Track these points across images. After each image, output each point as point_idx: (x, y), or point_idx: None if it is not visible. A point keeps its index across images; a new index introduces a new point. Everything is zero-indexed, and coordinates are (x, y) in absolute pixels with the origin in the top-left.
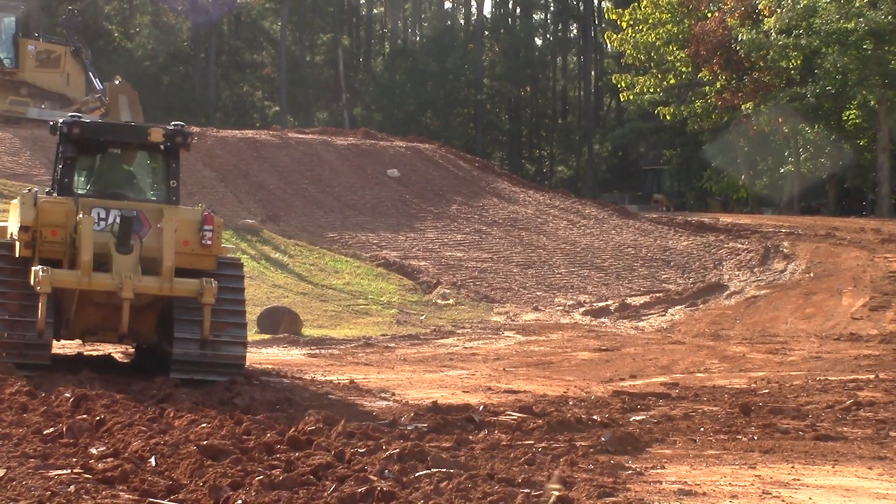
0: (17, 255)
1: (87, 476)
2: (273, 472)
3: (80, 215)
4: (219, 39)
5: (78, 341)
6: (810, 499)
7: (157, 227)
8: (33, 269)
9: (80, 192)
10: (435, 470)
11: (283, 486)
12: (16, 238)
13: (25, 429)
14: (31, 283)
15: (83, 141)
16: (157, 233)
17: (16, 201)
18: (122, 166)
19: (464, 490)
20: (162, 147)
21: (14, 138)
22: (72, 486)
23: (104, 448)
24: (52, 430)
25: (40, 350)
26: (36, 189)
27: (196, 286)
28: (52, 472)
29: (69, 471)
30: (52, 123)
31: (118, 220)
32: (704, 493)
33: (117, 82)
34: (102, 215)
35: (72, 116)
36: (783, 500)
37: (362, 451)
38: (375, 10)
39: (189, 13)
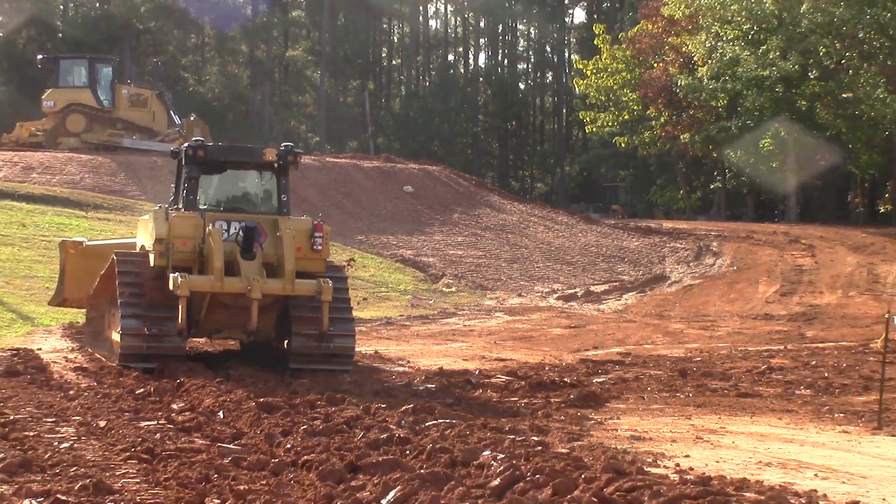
0: (152, 265)
1: (169, 426)
2: (314, 422)
3: (210, 227)
4: (271, 85)
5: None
6: (733, 442)
7: (276, 235)
8: (171, 275)
9: (203, 207)
10: (441, 420)
11: (322, 434)
12: (149, 250)
13: (121, 389)
14: (170, 288)
15: (206, 162)
16: (273, 240)
17: (146, 217)
18: (238, 183)
19: (463, 436)
20: (275, 165)
21: (112, 162)
22: (158, 434)
23: (183, 404)
24: (142, 390)
25: (177, 350)
26: (165, 206)
27: (314, 286)
28: (142, 423)
29: (156, 422)
30: (173, 149)
31: (241, 230)
32: (651, 438)
33: (192, 118)
34: (225, 227)
35: (196, 141)
36: (712, 444)
37: (384, 406)
38: (394, 62)
39: (248, 63)
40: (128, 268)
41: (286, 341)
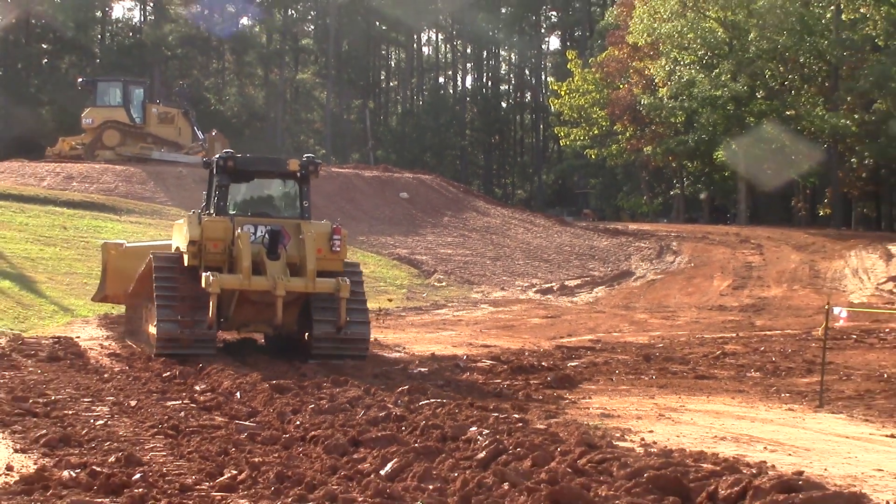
0: (185, 265)
1: (192, 405)
2: (321, 402)
3: (239, 230)
4: (283, 104)
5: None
6: (692, 419)
7: (300, 237)
8: (203, 274)
9: (232, 212)
10: (433, 400)
11: (327, 412)
12: (183, 251)
13: (150, 373)
14: (203, 286)
15: (235, 171)
16: (296, 242)
17: (180, 221)
18: (264, 191)
19: (452, 414)
20: (297, 174)
21: (143, 172)
22: (182, 412)
23: (204, 386)
24: (168, 373)
25: (208, 342)
26: (198, 211)
27: (333, 284)
28: (168, 403)
29: (180, 401)
30: (205, 160)
31: (267, 233)
32: (619, 416)
33: (213, 133)
34: (252, 230)
35: (226, 152)
36: (673, 421)
37: (383, 387)
38: (391, 84)
39: (263, 85)
40: (164, 267)
41: (307, 333)
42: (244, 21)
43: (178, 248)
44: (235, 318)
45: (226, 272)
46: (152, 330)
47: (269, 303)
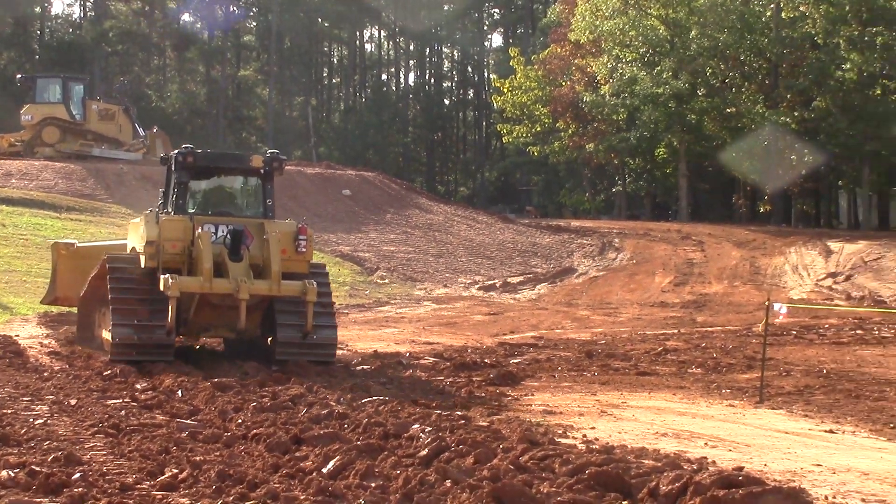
0: (142, 267)
1: (133, 404)
2: (263, 400)
3: (199, 230)
4: (225, 101)
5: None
6: (633, 416)
7: (264, 237)
8: (162, 276)
9: (191, 211)
10: (375, 398)
11: (269, 410)
12: (140, 252)
13: (90, 371)
14: (161, 289)
15: (195, 168)
16: (259, 243)
17: (136, 220)
18: (225, 188)
19: (395, 411)
20: (261, 171)
21: (83, 169)
22: (122, 411)
23: (145, 384)
24: (109, 371)
25: (166, 349)
26: (156, 209)
27: (300, 287)
28: (109, 401)
29: (121, 400)
30: (162, 155)
31: (229, 233)
32: (561, 412)
33: (155, 130)
34: (213, 230)
35: (186, 147)
36: (615, 417)
37: (325, 385)
38: (334, 80)
39: (205, 82)
40: (119, 268)
41: (270, 338)
42: (185, 17)
43: (133, 249)
44: (195, 322)
45: (185, 274)
46: (107, 335)
47: (232, 306)
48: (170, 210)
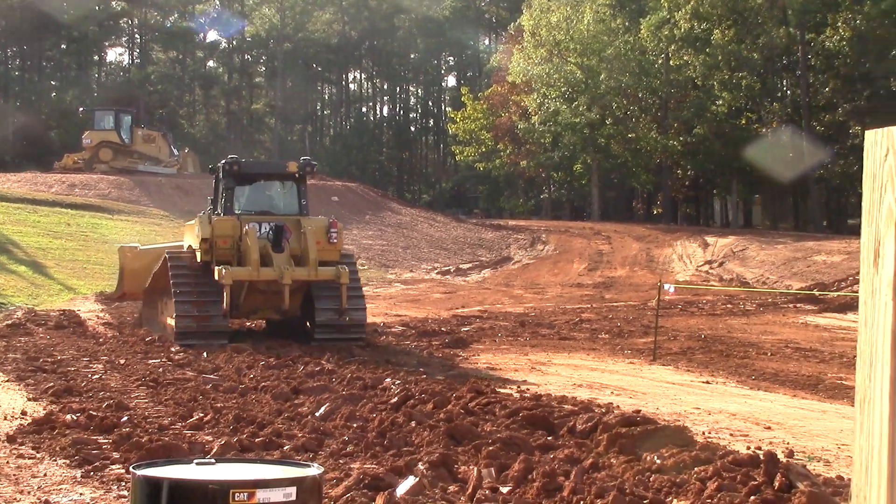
0: (198, 261)
1: (168, 363)
2: (269, 360)
3: (246, 227)
4: (241, 127)
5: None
6: (556, 371)
7: (301, 231)
8: (216, 268)
9: (237, 212)
10: (356, 358)
11: (275, 367)
12: (196, 248)
13: (136, 338)
14: (216, 278)
15: (240, 174)
16: (297, 236)
17: (191, 222)
18: (266, 191)
19: (372, 368)
20: (296, 175)
21: (130, 181)
22: (160, 368)
23: (178, 348)
24: (150, 338)
25: (221, 331)
26: (209, 211)
27: (334, 272)
28: (150, 361)
29: (159, 360)
30: (210, 166)
31: (272, 229)
32: (500, 369)
33: (186, 151)
34: (257, 227)
35: (232, 157)
36: (542, 372)
37: (317, 347)
38: (326, 112)
39: (225, 113)
40: (179, 265)
41: (308, 319)
42: (210, 63)
43: (190, 247)
44: (245, 306)
45: (235, 266)
46: (170, 322)
47: (276, 291)
48: (219, 212)
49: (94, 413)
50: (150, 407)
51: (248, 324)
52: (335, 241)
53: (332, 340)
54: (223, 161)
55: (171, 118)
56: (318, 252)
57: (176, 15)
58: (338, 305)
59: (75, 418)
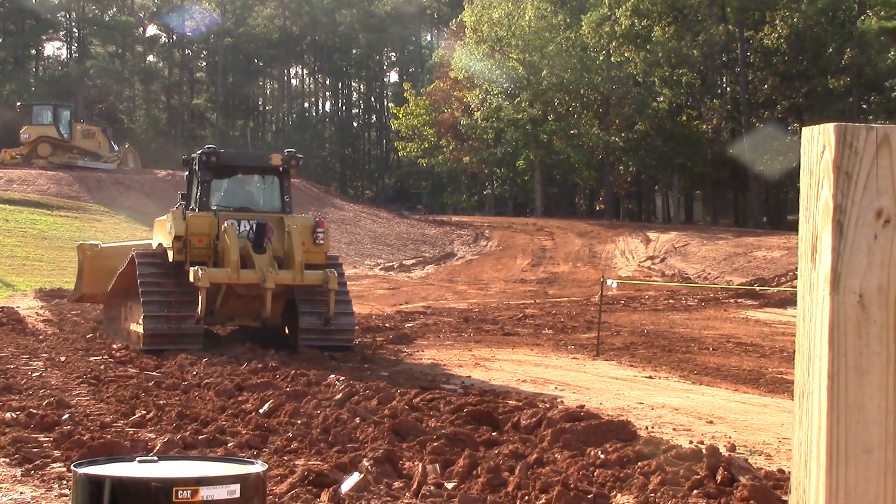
0: (170, 261)
1: (110, 360)
2: (212, 356)
3: (225, 224)
4: (182, 123)
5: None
6: (500, 367)
7: (285, 231)
8: (191, 269)
9: (214, 207)
10: (299, 354)
11: (218, 364)
12: (168, 247)
13: (76, 334)
14: (191, 280)
15: (218, 167)
16: (280, 236)
17: (162, 218)
18: (245, 186)
19: (316, 364)
20: (279, 169)
21: (69, 177)
22: (102, 365)
23: (120, 344)
24: (90, 335)
25: (195, 336)
26: (182, 206)
27: (322, 276)
28: (91, 358)
29: (101, 357)
30: (184, 157)
31: (254, 227)
32: (445, 364)
33: (126, 146)
34: (236, 225)
35: (209, 147)
36: (486, 368)
37: (260, 344)
38: (267, 107)
39: (166, 108)
40: (148, 263)
41: (288, 324)
42: (150, 58)
43: (160, 245)
44: (221, 312)
45: (210, 267)
46: (135, 327)
47: (256, 296)
48: (194, 207)
49: (35, 411)
50: (91, 404)
51: (215, 330)
52: (321, 241)
53: (316, 347)
54: (199, 151)
55: (111, 113)
56: (303, 254)
57: (115, 9)
58: (323, 311)
59: (15, 416)
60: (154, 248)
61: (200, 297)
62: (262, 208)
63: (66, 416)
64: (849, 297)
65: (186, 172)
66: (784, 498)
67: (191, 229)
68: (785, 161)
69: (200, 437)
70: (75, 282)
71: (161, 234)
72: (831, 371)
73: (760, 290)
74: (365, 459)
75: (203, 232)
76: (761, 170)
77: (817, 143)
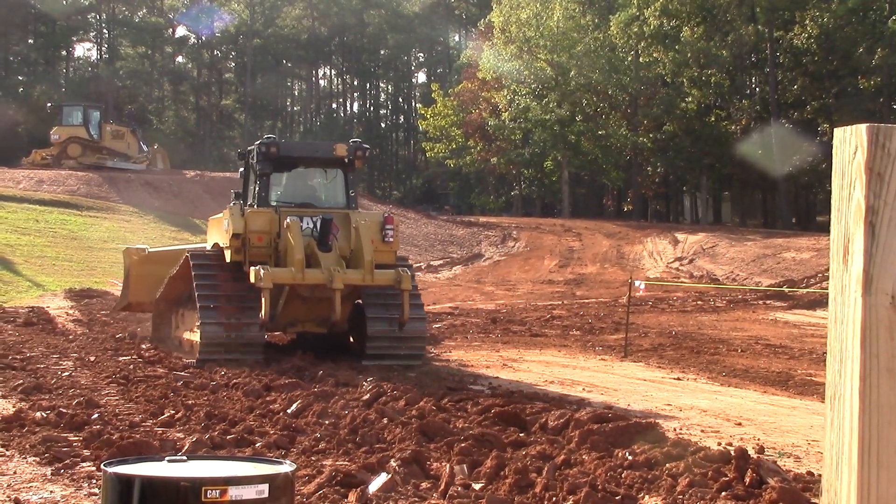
0: (228, 261)
1: (139, 360)
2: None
3: (287, 221)
4: (210, 123)
5: None
6: (528, 367)
7: (352, 227)
8: (253, 269)
9: (274, 203)
10: (328, 356)
11: (246, 365)
12: (224, 246)
13: (106, 335)
14: (252, 281)
15: (278, 159)
16: (346, 233)
17: (218, 216)
18: (307, 180)
19: (343, 366)
20: (344, 161)
21: (99, 177)
22: (131, 365)
23: (148, 344)
24: (120, 335)
25: (256, 346)
26: (239, 202)
27: (394, 276)
28: (121, 358)
29: (130, 357)
30: (238, 151)
31: (318, 224)
32: (472, 365)
33: (155, 147)
34: (299, 221)
35: (269, 137)
36: (514, 369)
37: (290, 346)
38: (295, 108)
39: (195, 109)
40: (204, 265)
41: (354, 332)
42: (180, 59)
43: (216, 245)
44: (283, 317)
45: (272, 267)
46: (189, 336)
47: (322, 298)
48: (252, 203)
49: (65, 410)
50: (120, 404)
51: (273, 338)
52: (391, 239)
53: (387, 357)
54: (257, 142)
55: (140, 114)
56: (372, 253)
57: (144, 10)
58: (395, 315)
59: (45, 416)
60: (209, 248)
61: (264, 300)
62: (324, 204)
63: (96, 415)
64: (881, 299)
65: (241, 168)
66: (813, 500)
67: (250, 227)
68: (814, 162)
69: (229, 437)
70: (121, 289)
71: (217, 233)
72: (863, 373)
73: (789, 291)
74: (392, 460)
75: (263, 229)
76: (791, 170)
77: (849, 144)
